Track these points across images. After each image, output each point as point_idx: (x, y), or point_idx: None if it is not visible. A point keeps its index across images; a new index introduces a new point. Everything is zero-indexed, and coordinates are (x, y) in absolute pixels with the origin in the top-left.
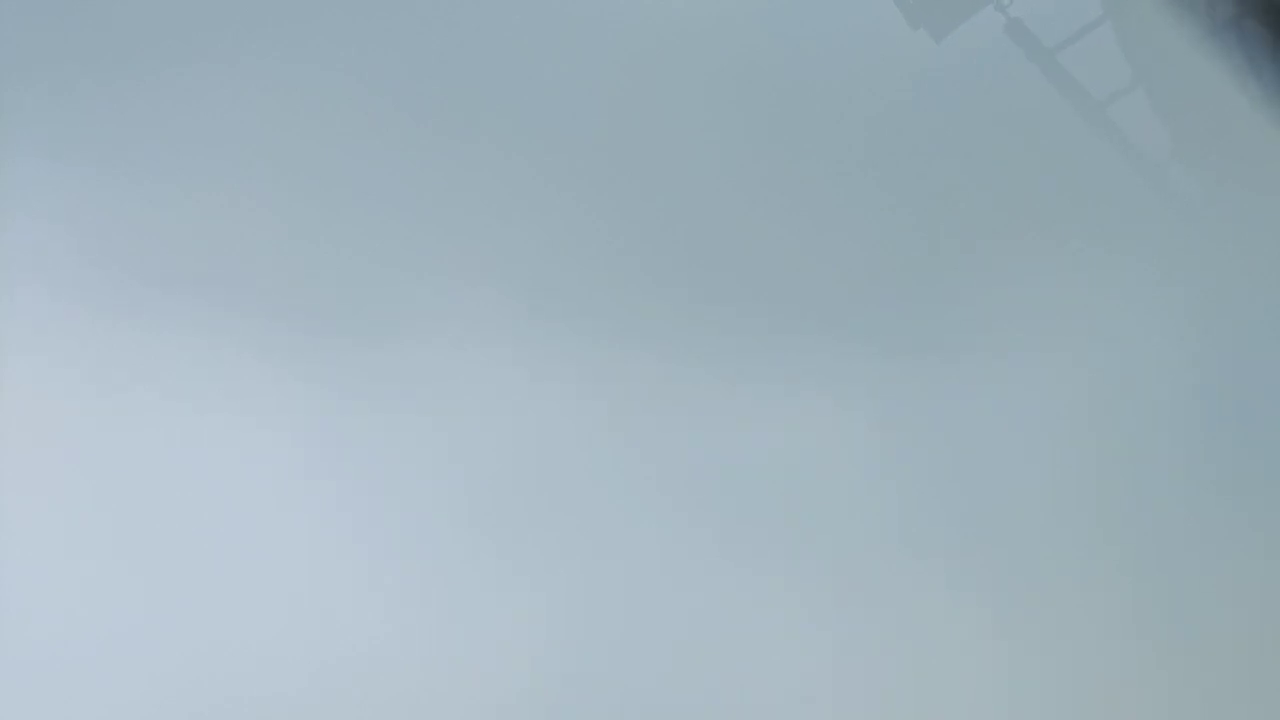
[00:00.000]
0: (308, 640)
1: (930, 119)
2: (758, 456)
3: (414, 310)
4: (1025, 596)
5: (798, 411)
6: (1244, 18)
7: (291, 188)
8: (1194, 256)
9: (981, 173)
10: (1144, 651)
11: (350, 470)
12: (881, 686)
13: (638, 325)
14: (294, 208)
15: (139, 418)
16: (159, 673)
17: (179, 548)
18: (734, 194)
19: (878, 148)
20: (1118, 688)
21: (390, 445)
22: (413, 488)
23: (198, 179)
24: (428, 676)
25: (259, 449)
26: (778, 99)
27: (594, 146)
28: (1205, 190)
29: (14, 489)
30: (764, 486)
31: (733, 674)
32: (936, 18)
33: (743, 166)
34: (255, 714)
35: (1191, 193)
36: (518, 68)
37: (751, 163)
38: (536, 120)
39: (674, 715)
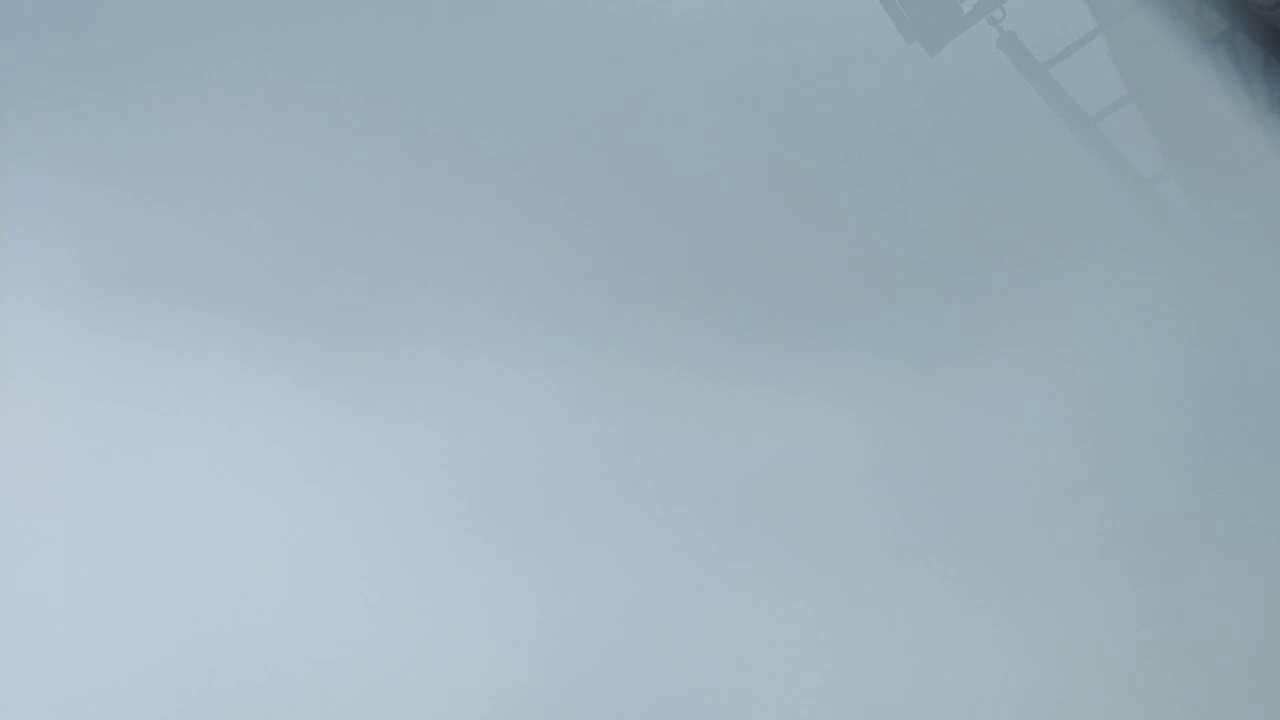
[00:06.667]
0: (306, 641)
1: (925, 132)
2: (758, 461)
3: (414, 319)
4: (1023, 597)
5: (798, 417)
6: (1235, 32)
7: (293, 199)
8: (1186, 266)
9: (977, 184)
10: (1140, 650)
11: (350, 475)
12: (881, 686)
13: (639, 333)
14: (295, 219)
15: (140, 423)
16: (162, 672)
17: (180, 550)
18: (734, 205)
19: (875, 159)
20: (1115, 687)
21: (390, 451)
22: (412, 492)
23: (198, 190)
24: (425, 675)
25: (259, 454)
26: (776, 112)
27: (594, 159)
28: (1197, 201)
29: (18, 494)
30: (764, 490)
31: (732, 675)
32: (931, 32)
33: (742, 178)
34: (264, 710)
35: (1183, 204)
36: (519, 81)
37: (751, 174)
38: (537, 132)
39: (673, 716)
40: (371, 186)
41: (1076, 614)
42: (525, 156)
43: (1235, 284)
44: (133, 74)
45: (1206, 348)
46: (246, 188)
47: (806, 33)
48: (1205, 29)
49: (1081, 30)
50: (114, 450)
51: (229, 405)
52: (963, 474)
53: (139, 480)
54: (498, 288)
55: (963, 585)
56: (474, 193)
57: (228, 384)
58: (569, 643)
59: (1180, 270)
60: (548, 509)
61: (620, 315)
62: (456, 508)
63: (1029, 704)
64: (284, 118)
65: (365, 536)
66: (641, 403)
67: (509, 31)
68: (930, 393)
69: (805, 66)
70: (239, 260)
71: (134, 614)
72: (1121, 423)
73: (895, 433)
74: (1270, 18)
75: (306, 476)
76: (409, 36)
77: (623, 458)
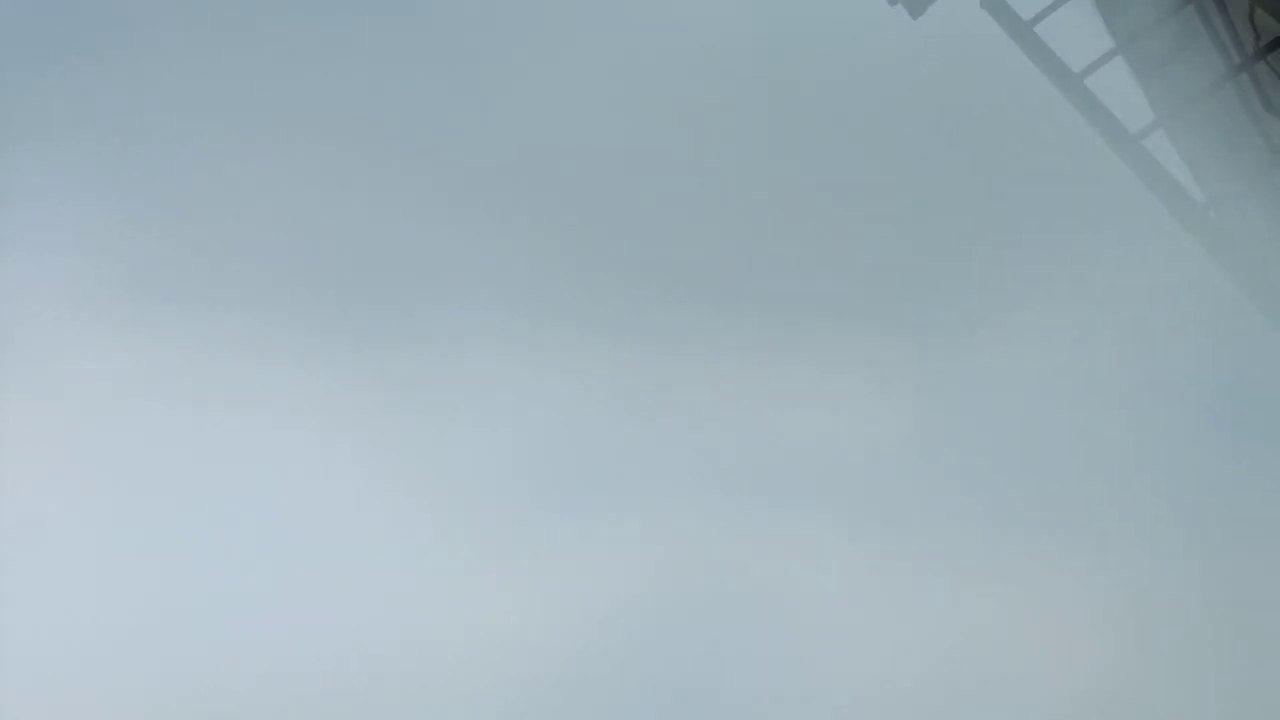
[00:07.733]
0: (325, 633)
1: (911, 97)
2: (796, 438)
3: (429, 317)
4: (1057, 560)
5: (832, 395)
6: None
7: (322, 207)
8: (1182, 227)
9: (966, 150)
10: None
11: (371, 470)
12: (917, 649)
13: (678, 320)
14: (311, 226)
15: (157, 424)
16: (181, 668)
17: (196, 549)
18: (759, 193)
19: (864, 130)
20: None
21: (411, 445)
22: (434, 485)
23: (214, 195)
24: (450, 659)
25: (269, 456)
26: (760, 86)
27: (611, 150)
28: (1186, 154)
29: (30, 501)
30: (803, 466)
31: (775, 643)
32: None
33: (758, 168)
34: (294, 696)
35: (1173, 156)
36: (530, 92)
37: (765, 163)
38: (551, 132)
39: (706, 697)
40: (391, 198)
41: (1110, 571)
42: (547, 166)
43: (1232, 241)
44: (145, 76)
45: (1211, 311)
46: (269, 198)
47: (791, 10)
48: None
49: None
50: (136, 449)
51: (242, 404)
52: (994, 447)
53: (160, 477)
54: (538, 288)
55: (997, 547)
56: (499, 204)
57: (239, 382)
58: (612, 616)
59: (1177, 230)
60: (595, 491)
61: (663, 305)
62: (489, 493)
63: (1052, 651)
64: (303, 131)
65: (387, 527)
66: (686, 385)
67: (520, 38)
68: (962, 371)
69: (796, 47)
70: (256, 265)
71: (154, 610)
72: (1137, 394)
73: (930, 409)
74: None
75: (319, 473)
76: (421, 56)
77: (666, 437)
